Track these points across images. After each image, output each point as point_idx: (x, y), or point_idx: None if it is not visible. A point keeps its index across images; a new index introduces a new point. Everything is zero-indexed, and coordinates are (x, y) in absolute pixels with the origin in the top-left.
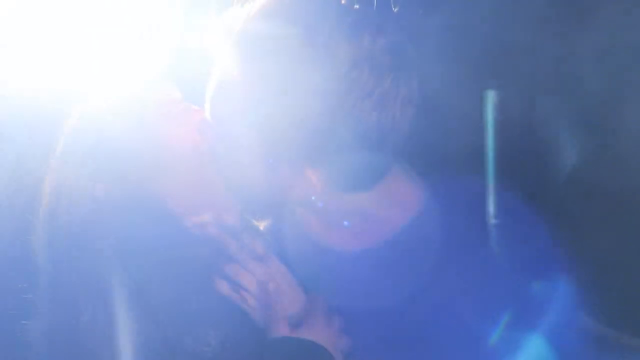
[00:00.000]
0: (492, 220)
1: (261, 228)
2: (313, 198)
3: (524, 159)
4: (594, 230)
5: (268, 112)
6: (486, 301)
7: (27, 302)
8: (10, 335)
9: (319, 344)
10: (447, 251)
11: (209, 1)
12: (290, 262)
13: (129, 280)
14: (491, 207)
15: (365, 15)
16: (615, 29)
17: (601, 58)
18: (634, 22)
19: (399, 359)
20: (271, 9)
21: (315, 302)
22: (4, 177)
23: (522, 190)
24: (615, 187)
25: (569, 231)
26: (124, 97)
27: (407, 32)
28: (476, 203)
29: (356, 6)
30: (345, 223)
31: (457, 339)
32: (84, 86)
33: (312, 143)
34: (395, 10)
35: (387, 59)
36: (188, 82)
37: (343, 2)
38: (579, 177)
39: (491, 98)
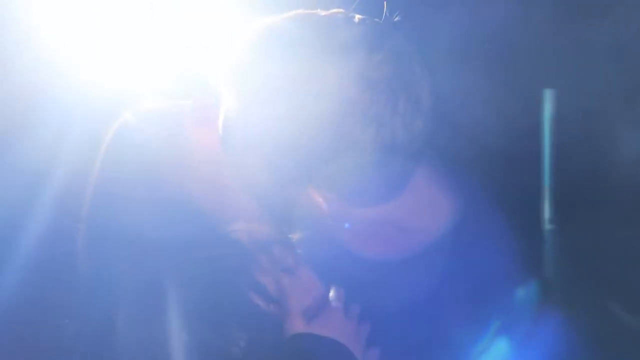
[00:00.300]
0: (548, 226)
1: (293, 240)
2: (327, 212)
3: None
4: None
5: (264, 133)
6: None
7: (68, 302)
8: (51, 333)
9: (335, 340)
10: (460, 253)
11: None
12: (321, 272)
13: (164, 281)
14: (547, 212)
15: (361, 29)
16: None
17: (616, 55)
18: None
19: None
20: (269, 30)
21: (332, 293)
22: (60, 177)
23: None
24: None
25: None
26: (163, 102)
27: (412, 38)
28: (490, 206)
29: (356, 17)
30: (346, 225)
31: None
32: (135, 87)
33: (311, 163)
34: (397, 18)
35: (382, 75)
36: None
37: (341, 16)
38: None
39: (549, 97)
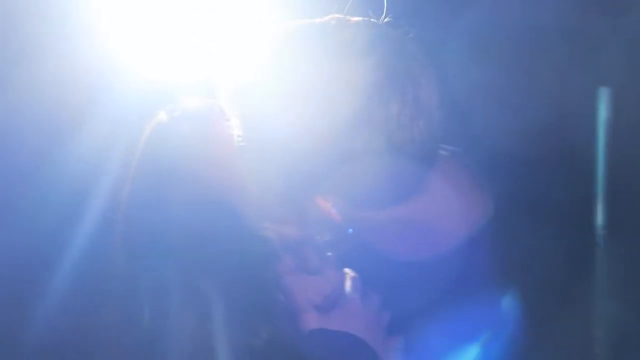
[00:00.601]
0: (600, 231)
1: (321, 240)
2: (339, 217)
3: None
4: None
5: (271, 139)
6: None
7: (107, 291)
8: (86, 322)
9: (354, 335)
10: (485, 255)
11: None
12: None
13: (193, 273)
14: (600, 218)
15: (352, 34)
16: None
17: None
18: None
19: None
20: (277, 40)
21: (348, 281)
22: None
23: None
24: None
25: None
26: (198, 101)
27: (422, 38)
28: (520, 209)
29: (351, 21)
30: (350, 230)
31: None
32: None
33: (315, 170)
34: (386, 19)
35: (373, 80)
36: None
37: (334, 22)
38: None
39: (604, 96)
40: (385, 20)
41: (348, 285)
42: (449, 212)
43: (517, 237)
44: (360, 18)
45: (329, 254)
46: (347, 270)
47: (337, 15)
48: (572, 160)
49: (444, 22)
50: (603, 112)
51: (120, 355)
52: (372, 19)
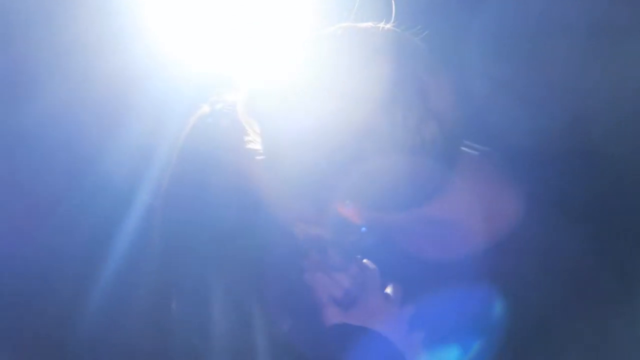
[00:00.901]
0: None
1: (346, 241)
2: (359, 219)
3: None
4: None
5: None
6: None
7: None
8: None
9: (376, 330)
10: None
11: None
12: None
13: (221, 263)
14: None
15: (360, 39)
16: None
17: None
18: None
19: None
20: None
21: (369, 275)
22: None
23: None
24: None
25: None
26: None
27: (428, 41)
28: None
29: (359, 27)
30: (363, 229)
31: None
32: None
33: (327, 175)
34: (396, 21)
35: (377, 85)
36: None
37: (340, 30)
38: None
39: None
40: (395, 22)
41: (370, 281)
42: (475, 211)
43: (556, 239)
44: (368, 24)
45: (358, 256)
46: (369, 264)
47: (345, 24)
48: (619, 161)
49: (466, 16)
50: None
51: (152, 345)
52: (380, 24)
